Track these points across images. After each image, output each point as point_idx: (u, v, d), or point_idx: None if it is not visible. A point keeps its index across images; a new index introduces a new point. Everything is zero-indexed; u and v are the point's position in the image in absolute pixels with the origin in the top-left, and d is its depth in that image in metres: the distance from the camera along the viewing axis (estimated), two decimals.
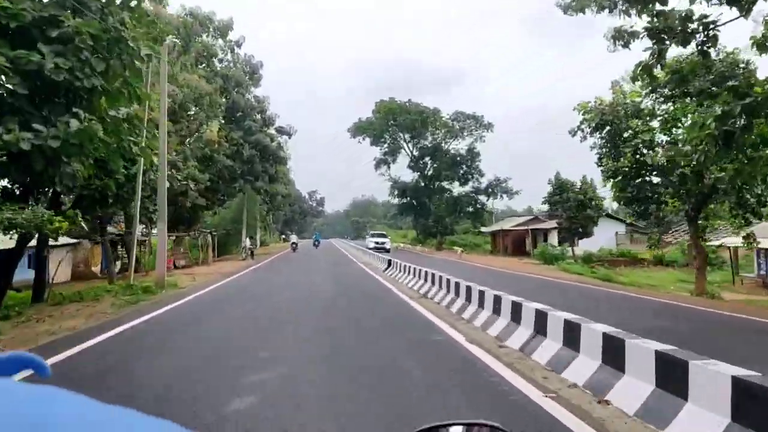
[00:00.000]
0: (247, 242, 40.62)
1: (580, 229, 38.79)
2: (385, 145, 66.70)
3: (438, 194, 65.46)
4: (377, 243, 49.64)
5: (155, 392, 5.68)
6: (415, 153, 66.20)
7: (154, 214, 23.31)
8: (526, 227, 53.43)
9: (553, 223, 53.12)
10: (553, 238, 50.61)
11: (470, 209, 65.35)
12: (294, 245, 49.64)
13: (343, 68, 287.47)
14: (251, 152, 40.86)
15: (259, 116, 42.71)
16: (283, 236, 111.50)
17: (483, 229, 56.89)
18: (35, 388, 0.49)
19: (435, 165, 64.63)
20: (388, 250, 46.24)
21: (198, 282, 20.13)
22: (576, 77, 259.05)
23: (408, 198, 68.47)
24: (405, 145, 66.63)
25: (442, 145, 64.59)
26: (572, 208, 38.13)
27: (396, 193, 68.98)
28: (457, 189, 65.64)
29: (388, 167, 67.55)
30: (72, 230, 21.54)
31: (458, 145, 65.07)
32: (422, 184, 66.01)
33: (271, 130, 43.67)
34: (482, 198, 64.98)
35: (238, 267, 30.12)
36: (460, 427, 1.08)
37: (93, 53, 10.68)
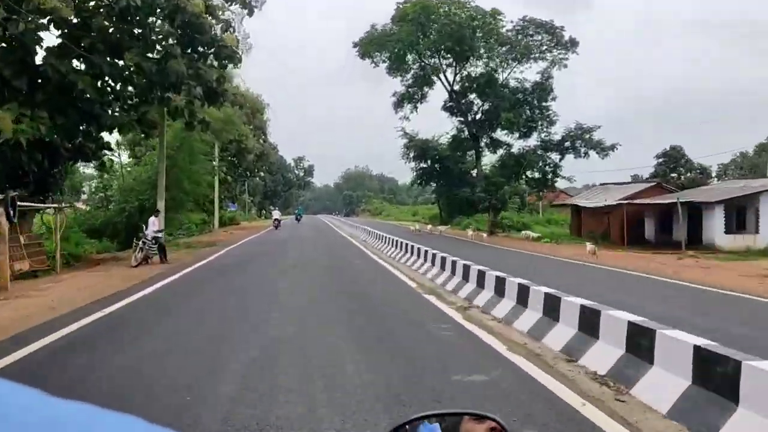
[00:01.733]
0: (154, 226, 18.55)
1: None
2: (409, 75, 44.01)
3: (491, 149, 43.68)
4: None
5: None
6: (456, 87, 43.76)
7: None
8: (649, 201, 31.75)
9: (707, 194, 31.48)
10: (714, 221, 28.91)
11: (536, 173, 43.49)
12: (276, 222, 44.80)
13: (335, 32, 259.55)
14: (166, 30, 18.51)
15: None
16: (264, 211, 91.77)
17: (577, 201, 35.62)
18: None
19: (488, 105, 42.27)
20: None
21: None
22: None
23: (429, 161, 46.75)
24: (442, 74, 43.92)
25: (498, 74, 42.13)
26: None
27: (412, 154, 46.88)
28: (517, 143, 43.59)
29: (415, 107, 44.96)
30: None
31: (522, 75, 42.68)
32: (465, 133, 43.87)
33: None
34: (554, 156, 42.96)
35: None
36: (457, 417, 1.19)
37: None
